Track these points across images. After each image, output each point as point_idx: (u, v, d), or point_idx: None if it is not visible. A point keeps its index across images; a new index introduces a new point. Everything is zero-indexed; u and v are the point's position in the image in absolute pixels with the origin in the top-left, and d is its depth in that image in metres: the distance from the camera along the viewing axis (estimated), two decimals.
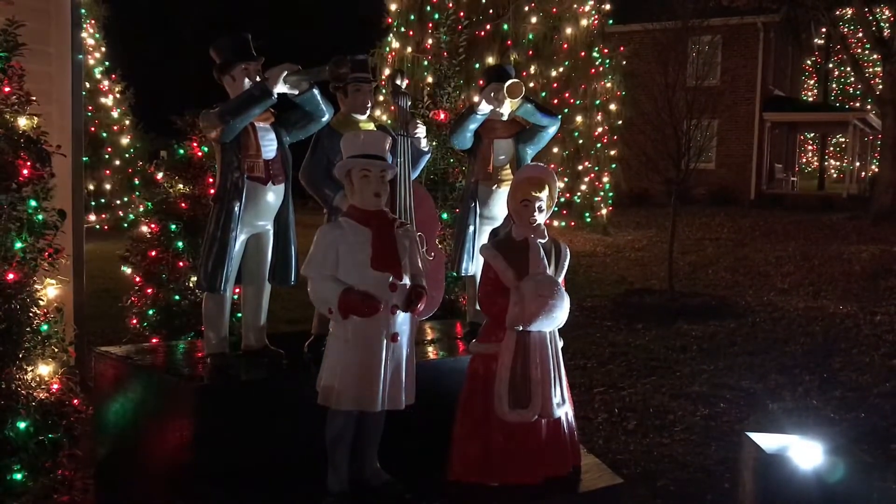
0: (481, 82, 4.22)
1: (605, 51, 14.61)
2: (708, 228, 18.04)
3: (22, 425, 3.26)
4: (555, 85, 13.73)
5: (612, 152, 15.16)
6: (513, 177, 3.69)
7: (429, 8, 12.88)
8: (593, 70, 14.32)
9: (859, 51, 29.67)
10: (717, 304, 9.78)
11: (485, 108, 3.93)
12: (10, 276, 3.27)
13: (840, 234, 17.44)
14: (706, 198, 22.23)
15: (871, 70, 27.89)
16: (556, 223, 14.53)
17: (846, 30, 29.74)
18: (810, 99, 33.55)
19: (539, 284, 3.12)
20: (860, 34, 28.44)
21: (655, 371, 6.79)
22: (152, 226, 5.14)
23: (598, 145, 14.75)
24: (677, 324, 8.59)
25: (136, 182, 14.85)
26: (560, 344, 3.36)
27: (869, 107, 28.17)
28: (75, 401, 3.52)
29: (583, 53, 14.02)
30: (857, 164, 29.09)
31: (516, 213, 3.28)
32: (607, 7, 14.80)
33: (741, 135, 24.30)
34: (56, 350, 3.46)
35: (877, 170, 27.72)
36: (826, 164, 34.05)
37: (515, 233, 3.30)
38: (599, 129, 14.71)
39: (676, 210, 10.30)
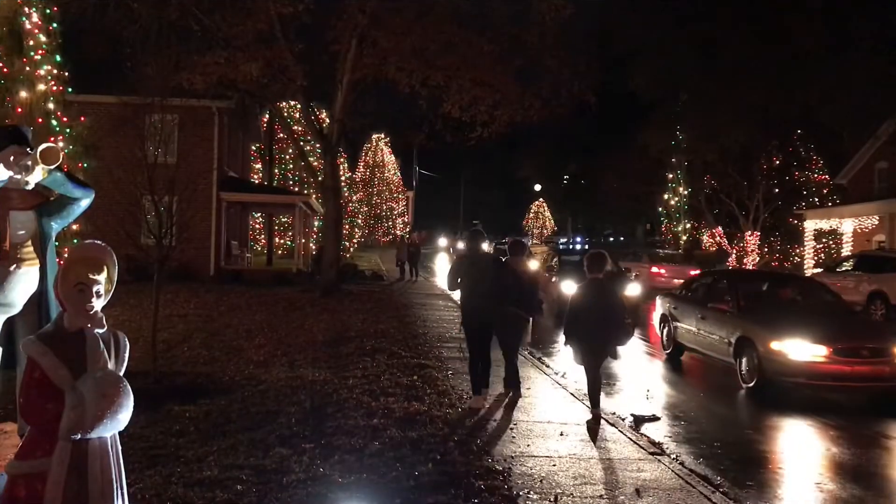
0: None
1: (66, 119, 13.61)
2: (174, 305, 17.86)
3: None
4: None
5: (75, 227, 14.03)
6: (36, 255, 3.16)
7: None
8: (52, 139, 13.16)
9: (302, 141, 32.97)
10: (203, 382, 9.66)
11: (2, 175, 3.29)
12: None
13: (297, 305, 18.90)
14: (167, 274, 21.96)
15: (314, 158, 31.18)
16: None
17: (293, 122, 32.87)
18: (256, 181, 35.97)
19: (102, 383, 2.71)
20: (303, 126, 31.75)
21: (159, 460, 6.36)
22: None
23: None
24: (167, 406, 8.21)
25: None
26: (119, 449, 2.94)
27: (313, 191, 31.43)
28: None
29: (40, 120, 12.80)
30: (300, 241, 32.00)
31: (69, 300, 2.80)
32: (66, 74, 13.83)
33: (200, 213, 24.74)
34: None
35: (315, 248, 30.95)
36: (273, 241, 36.69)
37: (68, 322, 2.81)
38: None
39: (159, 288, 9.94)
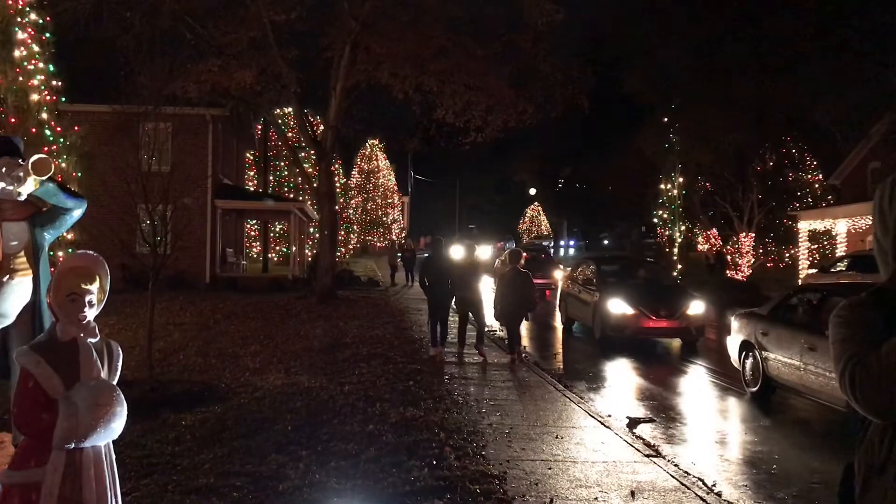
0: None
1: (59, 129, 13.61)
2: (170, 313, 17.87)
3: None
4: None
5: (70, 236, 14.04)
6: (29, 265, 3.18)
7: None
8: (46, 148, 13.15)
9: (297, 147, 32.99)
10: (199, 390, 9.67)
11: None
12: None
13: (293, 312, 18.91)
14: (163, 282, 22.00)
15: (309, 165, 31.13)
16: None
17: (287, 129, 32.88)
18: (251, 188, 35.98)
19: (95, 392, 2.72)
20: (297, 133, 31.73)
21: (156, 468, 6.37)
22: None
23: None
24: (163, 414, 8.22)
25: None
26: (113, 457, 2.95)
27: (308, 197, 31.42)
28: None
29: (34, 130, 12.82)
30: (296, 248, 32.00)
31: (62, 310, 2.82)
32: (59, 83, 13.85)
33: (195, 220, 24.75)
34: None
35: (310, 254, 30.95)
36: (269, 248, 36.69)
37: (61, 332, 2.82)
38: None
39: (155, 296, 9.94)
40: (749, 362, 10.89)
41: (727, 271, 34.33)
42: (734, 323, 11.60)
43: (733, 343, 11.46)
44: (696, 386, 12.33)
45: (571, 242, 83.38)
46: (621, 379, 12.83)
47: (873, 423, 1.92)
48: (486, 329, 14.49)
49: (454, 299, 13.29)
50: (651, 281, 17.47)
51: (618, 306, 14.81)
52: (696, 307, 15.13)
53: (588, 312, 16.11)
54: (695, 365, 13.89)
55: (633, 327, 14.78)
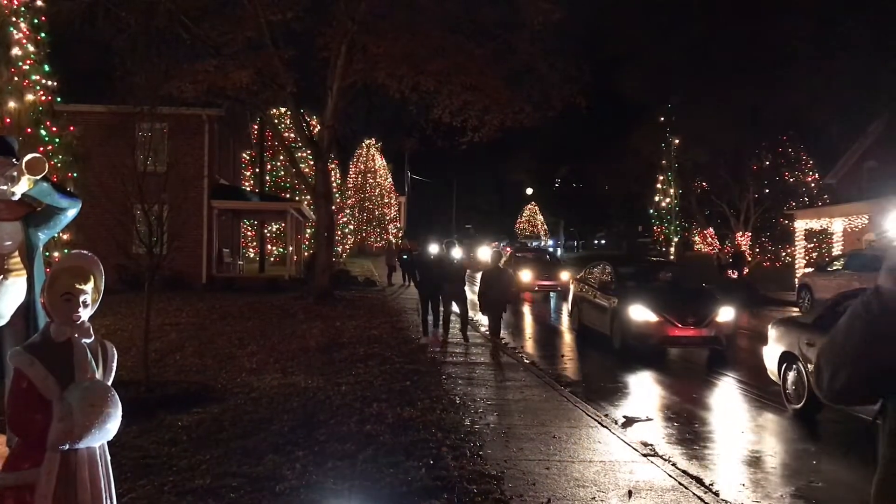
0: None
1: (55, 129, 13.61)
2: (166, 314, 17.81)
3: None
4: None
5: (66, 236, 14.02)
6: (23, 266, 3.16)
7: None
8: (41, 148, 13.14)
9: (293, 147, 32.94)
10: (196, 390, 9.65)
11: None
12: None
13: (289, 312, 18.88)
14: (159, 283, 21.96)
15: (306, 165, 31.08)
16: None
17: (284, 129, 32.81)
18: (247, 188, 35.96)
19: (89, 392, 2.70)
20: (294, 133, 31.69)
21: (152, 470, 6.34)
22: None
23: None
24: (159, 415, 8.20)
25: None
26: (108, 458, 2.93)
27: (304, 197, 31.38)
28: None
29: (29, 130, 12.81)
30: (293, 248, 31.99)
31: (56, 310, 2.80)
32: (54, 83, 13.83)
33: (191, 221, 24.73)
34: None
35: (307, 254, 30.93)
36: (265, 248, 36.66)
37: (55, 332, 2.81)
38: None
39: (151, 296, 9.89)
40: (791, 375, 9.66)
41: (742, 272, 33.57)
42: (772, 331, 10.46)
43: (771, 353, 10.23)
44: (729, 401, 11.10)
45: (560, 242, 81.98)
46: (635, 386, 12.12)
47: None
48: (486, 330, 14.85)
49: (442, 291, 15.14)
50: (674, 285, 16.01)
51: (640, 313, 13.62)
52: (726, 314, 13.81)
53: (605, 319, 14.93)
54: (724, 375, 12.71)
55: (658, 336, 13.56)
